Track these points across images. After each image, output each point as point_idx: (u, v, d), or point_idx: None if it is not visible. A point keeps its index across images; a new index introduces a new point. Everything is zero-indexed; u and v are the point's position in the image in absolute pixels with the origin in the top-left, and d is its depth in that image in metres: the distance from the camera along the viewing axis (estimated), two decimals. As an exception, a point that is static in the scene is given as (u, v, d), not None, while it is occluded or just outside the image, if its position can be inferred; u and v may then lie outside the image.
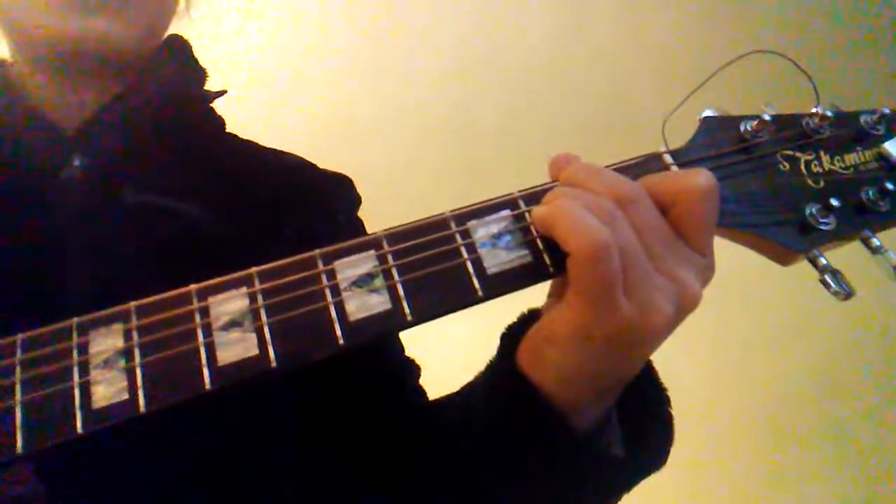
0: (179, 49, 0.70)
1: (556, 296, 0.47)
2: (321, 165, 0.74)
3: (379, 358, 0.65)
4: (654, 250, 0.41)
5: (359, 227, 0.72)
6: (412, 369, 0.68)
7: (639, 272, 0.40)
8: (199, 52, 0.72)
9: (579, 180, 0.43)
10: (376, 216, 0.63)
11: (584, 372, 0.43)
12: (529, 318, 0.49)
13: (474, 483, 0.50)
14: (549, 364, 0.43)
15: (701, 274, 0.42)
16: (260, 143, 0.74)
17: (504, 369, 0.47)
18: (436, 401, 0.63)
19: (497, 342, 0.50)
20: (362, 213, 0.74)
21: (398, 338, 0.68)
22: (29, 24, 0.58)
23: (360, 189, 0.75)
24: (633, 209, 0.41)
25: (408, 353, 0.69)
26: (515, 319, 0.50)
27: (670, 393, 0.52)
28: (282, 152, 0.74)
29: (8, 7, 0.59)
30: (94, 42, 0.58)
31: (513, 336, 0.48)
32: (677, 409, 0.51)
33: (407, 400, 0.65)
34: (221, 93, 0.71)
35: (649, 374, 0.51)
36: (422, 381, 0.68)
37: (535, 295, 0.48)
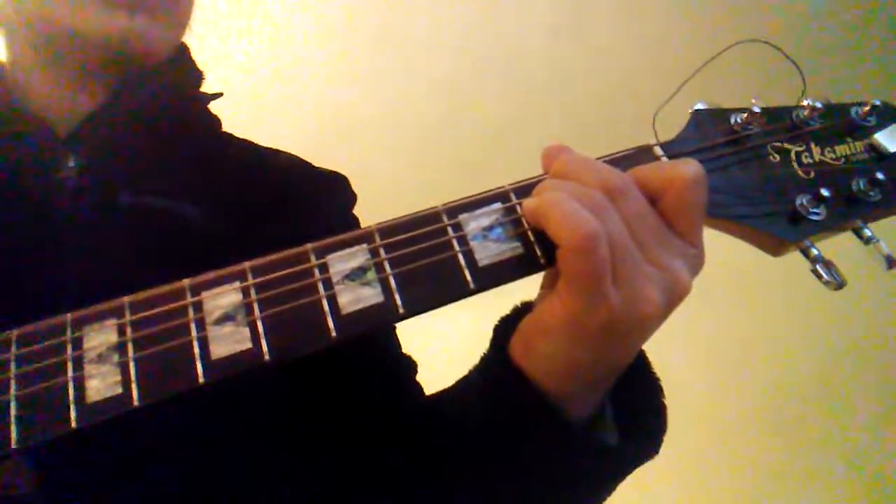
0: (177, 50, 0.70)
1: (548, 287, 0.47)
2: (317, 164, 0.74)
3: (375, 355, 0.65)
4: (644, 240, 0.41)
5: (354, 226, 0.71)
6: (408, 366, 0.69)
7: (628, 262, 0.40)
8: (197, 53, 0.72)
9: (569, 172, 0.43)
10: (372, 215, 0.63)
11: (575, 362, 0.43)
12: (522, 311, 0.49)
13: (470, 476, 0.51)
14: (540, 355, 0.44)
15: (691, 263, 0.42)
16: (256, 142, 0.74)
17: (497, 361, 0.47)
18: (432, 396, 0.63)
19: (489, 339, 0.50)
20: (358, 211, 0.74)
21: (394, 335, 0.68)
22: (69, 21, 0.58)
23: (355, 188, 0.75)
24: (623, 200, 0.41)
25: (404, 349, 0.69)
26: (509, 311, 0.51)
27: (667, 389, 0.52)
28: (278, 151, 0.74)
29: (41, 4, 0.59)
30: (136, 41, 0.59)
31: (506, 328, 0.48)
32: (674, 406, 0.52)
33: (404, 396, 0.65)
34: (217, 95, 0.71)
35: (642, 364, 0.51)
36: (418, 378, 0.68)
37: (529, 287, 0.48)
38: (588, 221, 0.39)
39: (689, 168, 0.42)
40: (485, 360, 0.50)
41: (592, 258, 0.38)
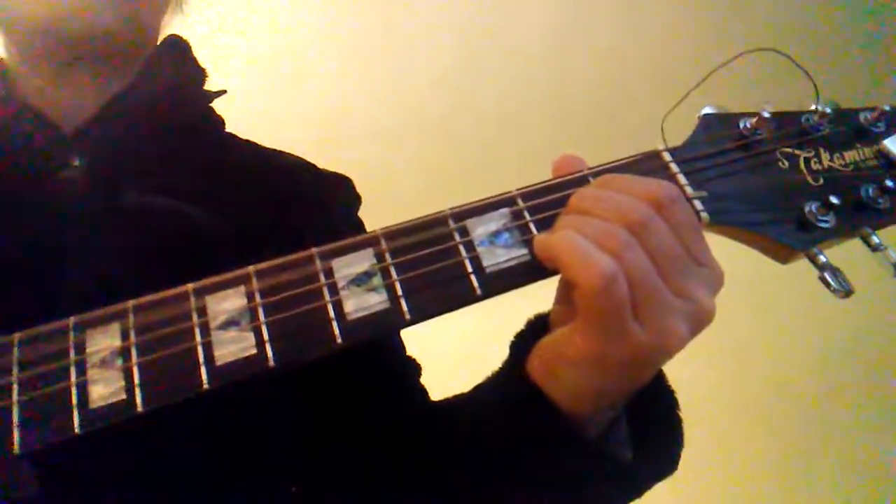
0: (178, 49, 0.69)
1: (563, 303, 0.47)
2: (321, 165, 0.74)
3: (380, 357, 0.65)
4: (669, 272, 0.40)
5: (359, 227, 0.71)
6: (413, 368, 0.68)
7: (654, 298, 0.39)
8: (199, 51, 0.72)
9: (586, 207, 0.42)
10: (376, 216, 0.63)
11: (597, 390, 0.43)
12: (536, 324, 0.49)
13: (479, 486, 0.50)
14: (562, 383, 0.43)
15: (714, 286, 0.42)
16: (260, 142, 0.74)
17: (515, 377, 0.46)
18: (440, 402, 0.63)
19: (494, 341, 0.50)
20: (362, 213, 0.74)
21: (399, 337, 0.68)
22: (9, 13, 0.58)
23: (359, 189, 0.74)
24: (646, 233, 0.40)
25: (408, 352, 0.69)
26: (524, 327, 0.50)
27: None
28: (281, 152, 0.73)
29: None
30: (74, 22, 0.57)
31: (522, 344, 0.47)
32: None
33: (409, 399, 0.65)
34: (221, 92, 0.71)
35: (658, 377, 0.50)
36: (422, 380, 0.68)
37: (534, 292, 0.48)
38: (600, 263, 0.38)
39: (662, 189, 0.41)
40: (503, 379, 0.50)
41: (608, 299, 0.38)
